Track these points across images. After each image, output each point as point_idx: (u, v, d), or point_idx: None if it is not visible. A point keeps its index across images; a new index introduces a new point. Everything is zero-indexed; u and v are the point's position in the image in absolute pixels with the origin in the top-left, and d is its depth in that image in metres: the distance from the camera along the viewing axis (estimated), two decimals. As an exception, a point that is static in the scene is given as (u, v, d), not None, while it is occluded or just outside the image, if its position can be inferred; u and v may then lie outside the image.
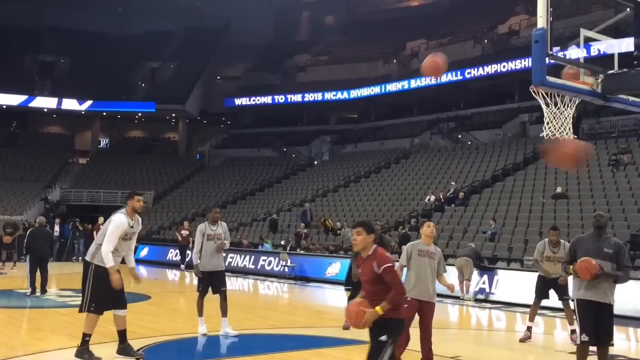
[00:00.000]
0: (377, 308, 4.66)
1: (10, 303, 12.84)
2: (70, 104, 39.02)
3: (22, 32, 40.39)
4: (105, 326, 7.44)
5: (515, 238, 17.88)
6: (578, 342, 6.31)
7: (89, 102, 39.08)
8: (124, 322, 7.20)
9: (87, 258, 7.23)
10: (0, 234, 19.91)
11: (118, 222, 7.08)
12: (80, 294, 7.20)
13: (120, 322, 7.19)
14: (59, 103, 38.75)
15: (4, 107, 38.57)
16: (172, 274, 21.48)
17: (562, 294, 9.32)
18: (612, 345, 6.33)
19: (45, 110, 40.09)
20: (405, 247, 6.89)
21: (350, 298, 9.61)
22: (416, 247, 6.94)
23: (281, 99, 40.05)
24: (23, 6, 41.32)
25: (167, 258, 24.06)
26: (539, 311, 9.85)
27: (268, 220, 25.69)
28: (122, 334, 7.24)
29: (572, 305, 7.89)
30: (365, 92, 36.83)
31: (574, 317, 9.15)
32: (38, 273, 13.16)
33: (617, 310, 6.47)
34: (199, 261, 9.00)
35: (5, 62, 38.63)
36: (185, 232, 22.29)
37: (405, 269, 6.94)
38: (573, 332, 9.22)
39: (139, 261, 23.28)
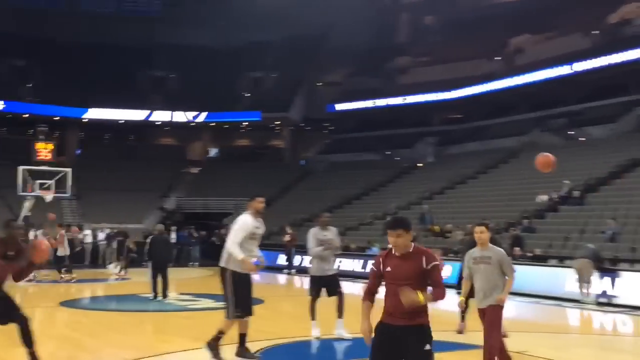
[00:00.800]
0: (420, 297, 4.36)
1: (135, 307, 13.49)
2: (181, 116, 40.86)
3: (134, 50, 42.58)
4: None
5: (638, 238, 16.90)
6: None
7: (198, 114, 40.78)
8: (247, 326, 7.42)
9: (222, 264, 7.44)
10: (127, 243, 20.79)
11: (243, 221, 7.40)
12: (224, 301, 7.43)
13: (244, 325, 7.42)
14: (172, 116, 40.69)
15: (123, 121, 40.95)
16: (283, 278, 21.89)
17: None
18: None
19: (159, 123, 42.11)
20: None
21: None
22: (471, 255, 6.71)
23: (383, 102, 39.97)
24: (134, 26, 43.55)
25: (277, 262, 24.57)
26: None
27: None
28: (242, 337, 7.46)
29: None
30: (468, 91, 36.12)
31: None
32: (159, 278, 13.79)
33: None
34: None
35: (120, 79, 40.84)
36: (288, 237, 22.78)
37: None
38: None
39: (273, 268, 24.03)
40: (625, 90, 30.19)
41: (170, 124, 42.44)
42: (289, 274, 22.76)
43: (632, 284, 13.69)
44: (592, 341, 10.38)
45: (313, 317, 9.02)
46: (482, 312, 6.53)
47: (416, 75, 41.45)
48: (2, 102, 38.13)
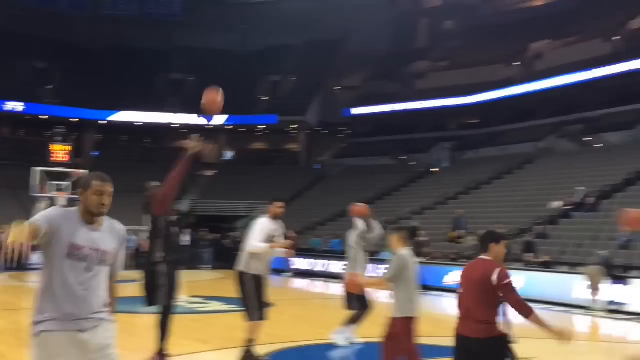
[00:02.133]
0: None
1: (144, 309, 13.60)
2: (196, 119, 41.10)
3: (153, 53, 42.95)
4: (232, 332, 7.73)
5: (651, 246, 16.76)
6: None
7: (214, 117, 40.94)
8: (257, 331, 7.49)
9: (242, 269, 7.49)
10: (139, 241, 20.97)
11: (261, 224, 7.53)
12: (244, 304, 7.48)
13: (255, 330, 7.49)
14: (188, 118, 40.96)
15: (139, 124, 41.29)
16: (294, 282, 21.96)
17: None
18: None
19: (177, 125, 42.43)
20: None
21: None
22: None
23: (399, 107, 39.94)
24: (153, 29, 44.01)
25: (290, 266, 24.64)
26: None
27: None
28: (250, 342, 7.53)
29: None
30: (485, 96, 35.98)
31: None
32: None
33: None
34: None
35: (139, 82, 41.22)
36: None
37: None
38: None
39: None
40: (644, 97, 29.95)
41: (187, 127, 42.73)
42: (283, 276, 22.84)
43: (644, 293, 13.60)
44: (601, 348, 10.33)
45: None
46: None
47: (434, 80, 41.37)
48: (22, 104, 38.65)
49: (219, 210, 35.37)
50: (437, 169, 36.03)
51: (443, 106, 38.06)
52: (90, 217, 3.54)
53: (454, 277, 18.16)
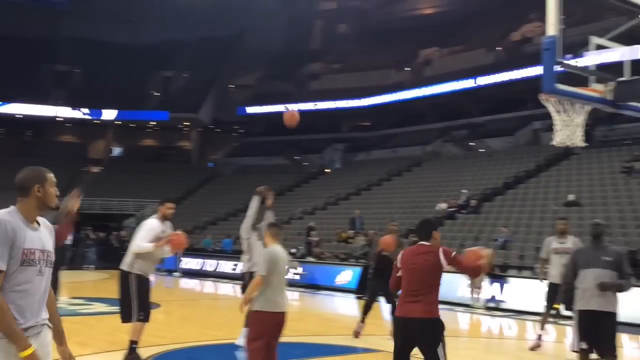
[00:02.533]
0: None
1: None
2: (84, 113, 39.44)
3: (37, 42, 40.80)
4: (115, 334, 7.45)
5: (527, 246, 17.75)
6: (576, 349, 6.21)
7: (102, 111, 39.48)
8: (141, 333, 7.25)
9: (125, 268, 7.22)
10: None
11: (150, 224, 7.27)
12: (120, 303, 7.22)
13: (138, 331, 7.23)
14: (74, 112, 39.18)
15: (20, 116, 39.02)
16: (183, 282, 21.53)
17: (571, 302, 9.17)
18: (615, 356, 6.18)
19: (60, 119, 40.47)
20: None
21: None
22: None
23: (294, 107, 40.04)
24: (38, 17, 41.80)
25: (179, 266, 24.12)
26: (549, 319, 9.75)
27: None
28: (133, 344, 7.26)
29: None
30: (377, 100, 36.85)
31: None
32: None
33: (627, 318, 6.37)
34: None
35: (20, 72, 39.04)
36: None
37: None
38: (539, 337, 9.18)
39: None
40: (524, 105, 31.71)
41: (71, 121, 40.89)
42: (174, 276, 22.38)
43: (519, 290, 14.36)
44: (479, 344, 10.80)
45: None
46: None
47: (327, 82, 41.95)
48: None
49: (105, 208, 34.10)
50: (330, 170, 36.56)
51: (336, 108, 38.65)
52: (33, 216, 3.31)
53: (344, 277, 18.46)
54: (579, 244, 8.71)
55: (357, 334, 9.57)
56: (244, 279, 8.80)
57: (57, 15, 43.23)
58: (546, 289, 9.46)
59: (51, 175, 3.46)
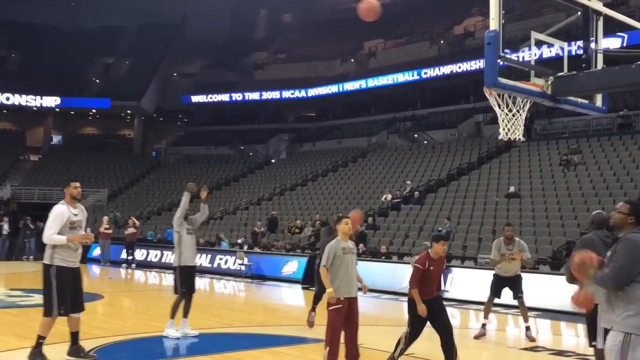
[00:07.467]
0: None
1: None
2: (21, 99, 38.10)
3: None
4: (56, 327, 7.27)
5: (469, 236, 18.17)
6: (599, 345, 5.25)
7: (40, 98, 38.21)
8: (78, 324, 7.08)
9: (46, 261, 7.01)
10: None
11: (57, 211, 6.97)
12: (42, 297, 6.99)
13: (75, 323, 7.06)
14: (9, 98, 37.79)
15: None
16: (125, 273, 21.15)
17: (517, 291, 9.48)
18: None
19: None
20: (327, 249, 6.62)
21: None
22: (337, 245, 6.51)
23: (238, 96, 39.83)
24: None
25: (120, 257, 23.66)
26: (492, 308, 10.01)
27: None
28: (74, 336, 7.11)
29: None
30: (322, 90, 36.90)
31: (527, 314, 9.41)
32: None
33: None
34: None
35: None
36: (132, 230, 22.12)
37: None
38: (528, 329, 9.44)
39: (91, 260, 22.94)
40: (467, 98, 32.34)
41: (7, 107, 39.47)
42: (128, 268, 21.94)
43: (462, 280, 14.69)
44: (423, 333, 10.98)
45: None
46: (347, 301, 6.49)
47: (273, 71, 41.76)
48: None
49: (45, 197, 33.07)
50: (275, 160, 36.49)
51: (281, 98, 38.53)
52: None
53: (290, 267, 18.49)
54: (525, 248, 9.45)
55: (311, 324, 9.64)
56: (175, 271, 8.83)
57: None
58: (491, 278, 9.75)
59: None
